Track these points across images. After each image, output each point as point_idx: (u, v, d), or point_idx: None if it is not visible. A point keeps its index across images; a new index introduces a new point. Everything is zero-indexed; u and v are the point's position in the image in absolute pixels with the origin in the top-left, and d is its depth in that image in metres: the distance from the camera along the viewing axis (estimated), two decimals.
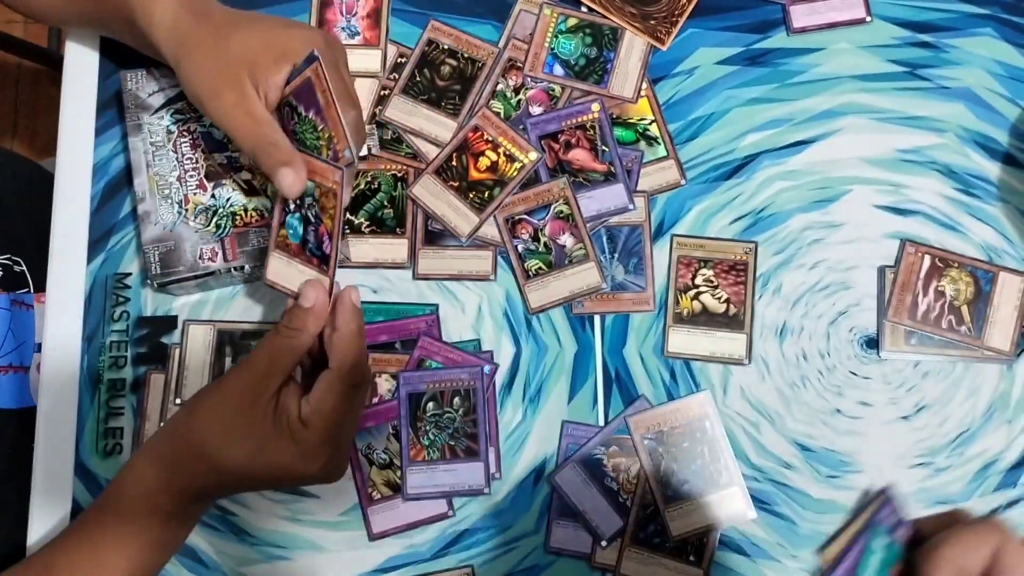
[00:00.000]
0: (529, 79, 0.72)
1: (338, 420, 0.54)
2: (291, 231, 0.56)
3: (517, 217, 0.70)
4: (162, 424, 0.56)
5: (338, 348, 0.54)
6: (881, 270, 0.69)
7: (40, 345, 0.72)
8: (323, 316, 0.55)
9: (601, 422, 0.68)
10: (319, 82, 0.56)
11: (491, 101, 0.72)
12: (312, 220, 0.55)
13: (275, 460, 0.53)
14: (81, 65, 0.73)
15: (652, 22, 0.73)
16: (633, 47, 0.72)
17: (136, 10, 0.59)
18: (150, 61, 0.68)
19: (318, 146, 0.58)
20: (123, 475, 0.56)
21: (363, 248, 0.70)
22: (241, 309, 0.69)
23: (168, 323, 0.69)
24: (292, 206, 0.56)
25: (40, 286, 0.74)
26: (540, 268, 0.69)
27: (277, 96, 0.58)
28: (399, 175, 0.71)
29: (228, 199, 0.67)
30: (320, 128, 0.57)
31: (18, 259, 0.75)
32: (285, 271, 0.56)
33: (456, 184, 0.70)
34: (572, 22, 0.73)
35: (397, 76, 0.72)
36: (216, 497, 0.61)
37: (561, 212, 0.70)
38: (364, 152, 0.69)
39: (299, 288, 0.55)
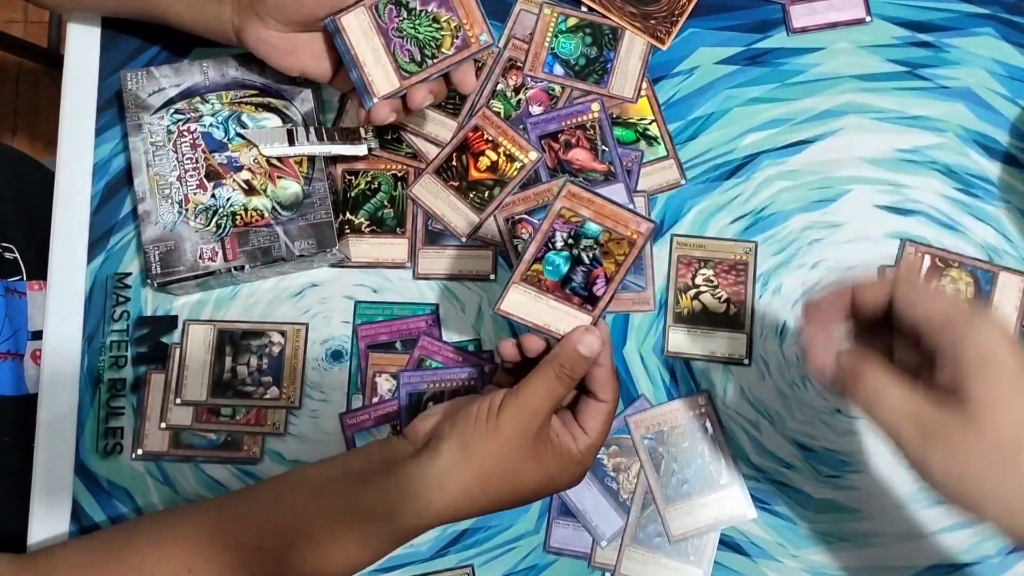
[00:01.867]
0: (529, 79, 0.72)
1: (603, 443, 0.58)
2: (550, 268, 0.56)
3: (517, 217, 0.70)
4: (402, 477, 0.54)
5: (610, 383, 0.56)
6: (881, 270, 0.69)
7: (33, 333, 0.72)
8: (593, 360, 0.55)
9: None
10: None
11: (491, 101, 0.72)
12: (586, 261, 0.56)
13: (556, 488, 0.57)
14: (81, 65, 0.73)
15: (652, 22, 0.73)
16: (633, 47, 0.72)
17: None
18: (152, 56, 0.68)
19: (438, 37, 0.59)
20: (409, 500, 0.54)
21: (363, 248, 0.70)
22: (241, 309, 0.69)
23: (168, 323, 0.69)
24: (560, 243, 0.56)
25: (32, 274, 0.74)
26: None
27: None
28: (399, 175, 0.71)
29: (228, 199, 0.67)
30: (445, 19, 0.60)
31: (10, 246, 0.75)
32: (530, 305, 0.56)
33: (456, 184, 0.70)
34: (572, 22, 0.73)
35: None
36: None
37: None
38: (365, 151, 0.69)
39: (576, 334, 0.54)
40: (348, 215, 0.70)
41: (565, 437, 0.56)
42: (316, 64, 0.63)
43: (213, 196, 0.66)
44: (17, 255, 0.75)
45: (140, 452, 0.68)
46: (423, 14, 0.60)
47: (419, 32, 0.60)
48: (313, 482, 0.56)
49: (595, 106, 0.71)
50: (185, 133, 0.67)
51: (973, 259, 0.69)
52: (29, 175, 0.86)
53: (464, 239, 0.70)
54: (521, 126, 0.71)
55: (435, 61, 0.60)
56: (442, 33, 0.60)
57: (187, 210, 0.66)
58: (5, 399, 0.70)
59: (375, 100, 0.60)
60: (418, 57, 0.60)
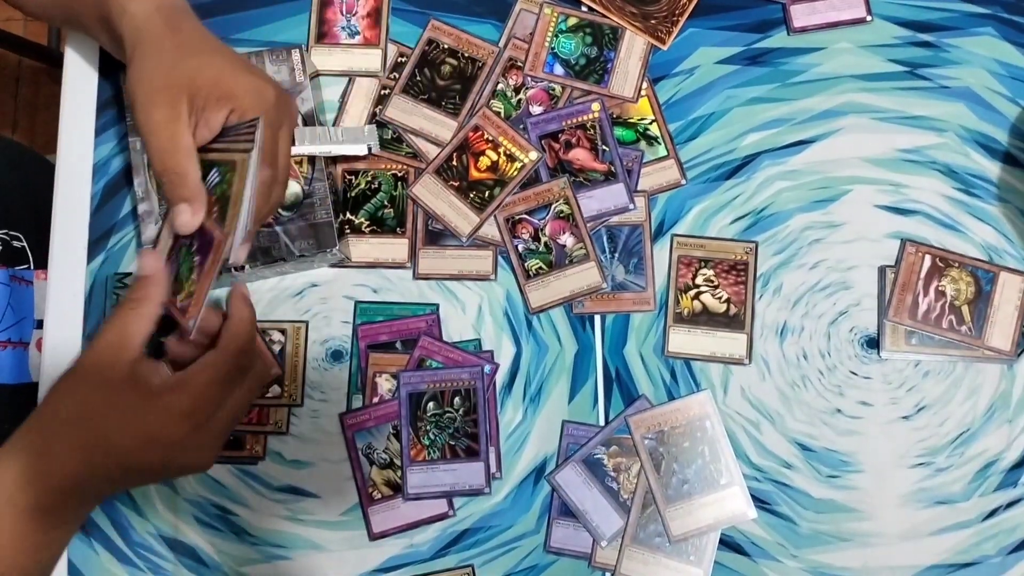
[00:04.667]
0: (529, 78, 0.72)
1: (210, 396, 0.52)
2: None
3: (517, 217, 0.70)
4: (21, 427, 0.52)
5: (227, 331, 0.54)
6: (881, 270, 0.69)
7: (39, 322, 0.72)
8: (163, 283, 0.53)
9: (601, 422, 0.68)
10: (217, 253, 0.54)
11: (491, 101, 0.72)
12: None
13: (139, 429, 0.50)
14: (81, 65, 0.72)
15: (652, 21, 0.73)
16: (633, 46, 0.72)
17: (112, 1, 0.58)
18: None
19: (186, 288, 0.55)
20: None
21: (363, 248, 0.70)
22: None
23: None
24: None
25: (40, 263, 0.74)
26: (540, 268, 0.69)
27: (208, 135, 0.57)
28: (399, 175, 0.71)
29: None
30: (193, 276, 0.54)
31: (18, 235, 0.75)
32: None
33: (456, 184, 0.70)
34: (572, 21, 0.73)
35: (397, 75, 0.72)
36: (93, 489, 0.54)
37: (561, 212, 0.70)
38: (364, 152, 0.68)
39: (137, 259, 0.53)
40: (348, 215, 0.70)
41: (148, 371, 0.51)
42: None
43: None
44: (25, 244, 0.76)
45: None
46: (190, 256, 0.55)
47: (182, 268, 0.55)
48: None
49: (595, 106, 0.71)
50: None
51: (973, 259, 0.69)
52: (34, 168, 0.87)
53: (465, 240, 0.70)
54: (521, 126, 0.71)
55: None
56: (187, 285, 0.54)
57: None
58: (5, 387, 0.70)
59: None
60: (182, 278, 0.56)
